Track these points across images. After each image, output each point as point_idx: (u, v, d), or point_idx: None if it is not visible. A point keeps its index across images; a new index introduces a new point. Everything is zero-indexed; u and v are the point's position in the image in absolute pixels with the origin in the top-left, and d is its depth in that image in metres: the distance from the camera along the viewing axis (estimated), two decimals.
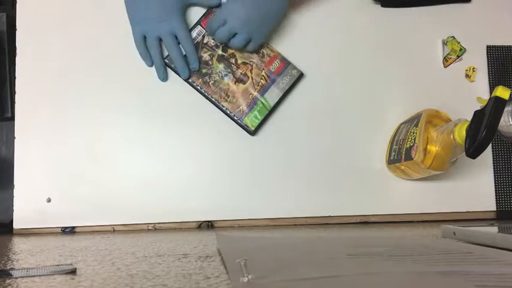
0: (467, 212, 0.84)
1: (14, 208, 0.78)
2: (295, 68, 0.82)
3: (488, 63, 0.88)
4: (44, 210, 0.78)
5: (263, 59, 0.82)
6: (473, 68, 0.87)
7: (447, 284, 0.34)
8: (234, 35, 0.77)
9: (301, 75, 0.82)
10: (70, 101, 0.80)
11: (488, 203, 0.85)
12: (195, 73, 0.81)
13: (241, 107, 0.80)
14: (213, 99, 0.81)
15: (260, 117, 0.81)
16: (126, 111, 0.81)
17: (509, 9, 0.89)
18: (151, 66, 0.81)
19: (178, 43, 0.80)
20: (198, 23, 0.82)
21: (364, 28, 0.86)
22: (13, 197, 0.78)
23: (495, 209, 0.85)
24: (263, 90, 0.81)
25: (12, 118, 0.80)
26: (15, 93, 0.80)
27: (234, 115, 0.80)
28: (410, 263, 0.42)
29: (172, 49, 0.79)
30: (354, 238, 0.66)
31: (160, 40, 0.79)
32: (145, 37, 0.79)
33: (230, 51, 0.82)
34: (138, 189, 0.79)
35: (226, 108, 0.80)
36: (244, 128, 0.81)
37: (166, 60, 0.81)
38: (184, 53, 0.80)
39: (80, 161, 0.79)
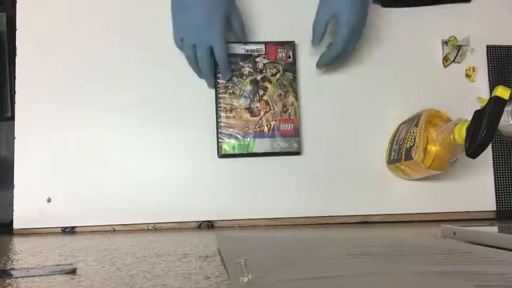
0: (467, 212, 0.84)
1: (14, 208, 0.78)
2: (298, 143, 0.81)
3: (488, 63, 0.88)
4: (44, 210, 0.78)
5: (284, 113, 0.81)
6: (473, 68, 0.87)
7: (447, 284, 0.34)
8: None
9: (297, 153, 0.81)
10: (70, 101, 0.80)
11: (488, 203, 0.85)
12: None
13: (231, 129, 0.80)
14: (218, 102, 0.80)
15: (234, 151, 0.80)
16: (126, 110, 0.81)
17: (509, 9, 0.89)
18: (202, 78, 0.81)
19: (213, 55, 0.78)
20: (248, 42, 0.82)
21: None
22: (13, 197, 0.78)
23: (495, 209, 0.85)
24: (260, 135, 0.80)
25: (12, 118, 0.80)
26: (15, 93, 0.80)
27: (220, 130, 0.80)
28: (411, 263, 0.42)
29: (203, 61, 0.78)
30: (354, 238, 0.66)
31: (195, 47, 0.77)
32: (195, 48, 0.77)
33: (266, 84, 0.81)
34: (138, 189, 0.79)
35: (220, 119, 0.80)
36: (217, 147, 0.80)
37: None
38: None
39: (80, 161, 0.79)
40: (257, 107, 0.81)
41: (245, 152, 0.80)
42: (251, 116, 0.81)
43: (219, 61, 0.78)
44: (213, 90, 0.81)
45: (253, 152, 0.80)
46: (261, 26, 0.84)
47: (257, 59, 0.82)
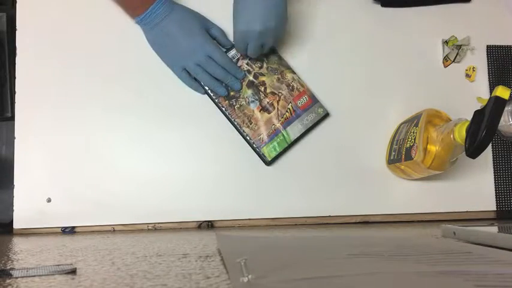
0: (467, 212, 0.84)
1: (14, 208, 0.78)
2: (322, 106, 0.82)
3: (488, 63, 0.88)
4: (44, 210, 0.78)
5: (292, 92, 0.81)
6: (473, 67, 0.87)
7: (447, 284, 0.34)
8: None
9: (326, 115, 0.82)
10: (70, 101, 0.80)
11: (488, 203, 0.85)
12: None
13: (262, 135, 0.80)
14: (236, 123, 0.80)
15: (278, 149, 0.80)
16: (126, 110, 0.81)
17: (509, 9, 0.89)
18: (204, 93, 0.81)
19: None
20: (232, 45, 0.81)
21: (364, 28, 0.86)
22: (13, 197, 0.78)
23: (495, 209, 0.85)
24: (286, 122, 0.81)
25: (12, 118, 0.80)
26: (15, 93, 0.80)
27: (254, 142, 0.80)
28: (411, 263, 0.42)
29: (215, 69, 0.78)
30: (354, 238, 0.66)
31: (200, 66, 0.78)
32: (187, 71, 0.79)
33: (261, 78, 0.81)
34: (138, 189, 0.79)
35: (247, 134, 0.80)
36: (261, 157, 0.80)
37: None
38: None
39: (80, 161, 0.79)
40: (268, 102, 0.81)
41: (287, 145, 0.80)
42: (269, 113, 0.81)
43: (225, 65, 0.79)
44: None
45: (292, 140, 0.80)
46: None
47: (239, 63, 0.81)
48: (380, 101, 0.85)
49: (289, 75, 0.82)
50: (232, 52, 0.81)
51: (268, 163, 0.80)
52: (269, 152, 0.80)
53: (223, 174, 0.81)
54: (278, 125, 0.81)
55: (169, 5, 0.76)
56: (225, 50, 0.81)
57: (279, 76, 0.82)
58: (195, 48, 0.77)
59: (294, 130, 0.81)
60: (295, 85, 0.82)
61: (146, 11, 0.75)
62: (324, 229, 0.78)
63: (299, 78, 0.82)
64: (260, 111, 0.81)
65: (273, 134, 0.80)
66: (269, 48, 0.78)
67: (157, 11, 0.75)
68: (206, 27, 0.80)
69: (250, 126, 0.80)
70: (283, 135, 0.80)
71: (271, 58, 0.83)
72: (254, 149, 0.80)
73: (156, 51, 0.80)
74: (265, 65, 0.82)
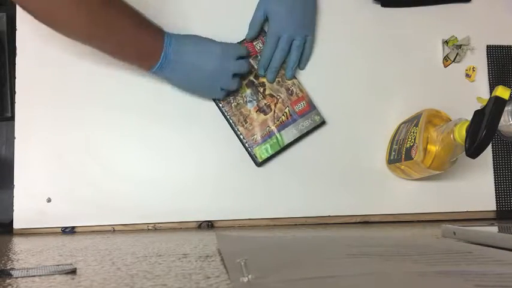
0: (467, 212, 0.84)
1: (14, 208, 0.78)
2: (319, 114, 0.82)
3: (488, 63, 0.88)
4: (44, 210, 0.78)
5: (291, 96, 0.81)
6: (473, 67, 0.87)
7: (447, 284, 0.34)
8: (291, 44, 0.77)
9: (323, 123, 0.82)
10: (70, 101, 0.80)
11: (488, 203, 0.85)
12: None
13: (255, 136, 0.80)
14: (231, 121, 0.80)
15: (270, 152, 0.80)
16: (126, 110, 0.81)
17: (509, 9, 0.89)
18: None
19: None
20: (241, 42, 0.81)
21: (364, 28, 0.86)
22: (13, 197, 0.78)
23: (495, 209, 0.85)
24: (281, 126, 0.80)
25: (12, 118, 0.80)
26: (15, 93, 0.80)
27: (246, 142, 0.80)
28: (410, 263, 0.42)
29: (247, 65, 0.78)
30: (354, 238, 0.66)
31: (234, 75, 0.77)
32: (221, 88, 0.78)
33: (261, 79, 0.81)
34: (138, 189, 0.79)
35: (241, 133, 0.80)
36: (252, 157, 0.80)
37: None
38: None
39: (80, 161, 0.79)
40: (265, 103, 0.81)
41: (279, 149, 0.80)
42: (265, 115, 0.81)
43: (260, 67, 0.80)
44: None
45: (285, 144, 0.80)
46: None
47: None
48: (380, 101, 0.85)
49: (289, 79, 0.82)
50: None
51: (259, 164, 0.80)
52: (261, 153, 0.80)
53: (224, 174, 0.81)
54: (273, 127, 0.80)
55: (172, 36, 0.73)
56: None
57: (280, 79, 0.82)
58: (222, 70, 0.75)
59: (288, 134, 0.81)
60: (294, 90, 0.82)
61: (161, 54, 0.72)
62: (323, 229, 0.78)
63: (299, 83, 0.82)
64: (257, 111, 0.81)
65: (267, 136, 0.80)
66: (301, 46, 0.79)
67: (169, 48, 0.72)
68: (208, 38, 0.78)
69: (245, 125, 0.80)
70: (276, 138, 0.80)
71: None
72: (246, 149, 0.80)
73: (185, 88, 0.79)
74: None
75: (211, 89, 0.78)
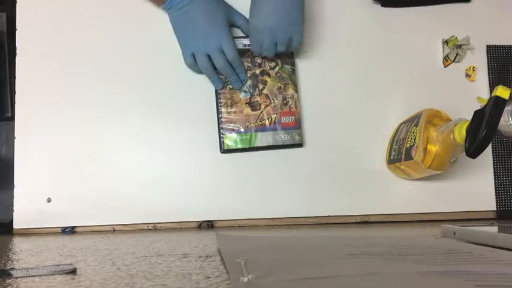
0: (467, 212, 0.84)
1: (14, 208, 0.78)
2: (300, 135, 0.81)
3: (488, 63, 0.88)
4: (44, 210, 0.78)
5: (284, 106, 0.81)
6: (473, 67, 0.87)
7: (447, 284, 0.34)
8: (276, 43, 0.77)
9: (299, 145, 0.81)
10: (70, 100, 0.80)
11: (488, 203, 0.85)
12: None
13: (232, 124, 0.80)
14: (218, 98, 0.80)
15: (237, 146, 0.80)
16: (126, 110, 0.81)
17: (509, 9, 0.89)
18: (221, 88, 0.81)
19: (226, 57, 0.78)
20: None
21: (364, 28, 0.86)
22: (13, 197, 0.78)
23: (495, 209, 0.85)
24: (260, 128, 0.80)
25: (12, 118, 0.80)
26: (15, 93, 0.80)
27: (221, 126, 0.80)
28: (411, 263, 0.42)
29: (221, 64, 0.78)
30: (354, 238, 0.66)
31: (208, 56, 0.78)
32: (194, 56, 0.78)
33: (265, 78, 0.81)
34: (138, 189, 0.79)
35: (220, 115, 0.80)
36: (220, 142, 0.80)
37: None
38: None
39: (80, 161, 0.79)
40: (257, 101, 0.81)
41: (247, 147, 0.80)
42: (252, 110, 0.81)
43: (233, 61, 0.78)
44: (213, 88, 0.81)
45: (255, 146, 0.80)
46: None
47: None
48: (380, 101, 0.85)
49: (290, 91, 0.82)
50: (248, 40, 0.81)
51: (222, 151, 0.80)
52: (228, 141, 0.80)
53: (224, 175, 0.81)
54: (252, 125, 0.80)
55: None
56: (245, 35, 0.81)
57: (282, 86, 0.82)
58: (211, 36, 0.76)
59: (262, 139, 0.80)
60: (290, 102, 0.81)
61: None
62: (323, 229, 0.78)
63: (297, 99, 0.82)
64: (246, 104, 0.81)
65: (242, 131, 0.80)
66: (284, 48, 0.77)
67: None
68: (230, 17, 0.79)
69: (228, 110, 0.80)
70: (250, 136, 0.80)
71: (286, 67, 0.82)
72: (218, 131, 0.80)
73: (176, 35, 0.80)
74: (277, 68, 0.82)
75: (186, 46, 0.79)
